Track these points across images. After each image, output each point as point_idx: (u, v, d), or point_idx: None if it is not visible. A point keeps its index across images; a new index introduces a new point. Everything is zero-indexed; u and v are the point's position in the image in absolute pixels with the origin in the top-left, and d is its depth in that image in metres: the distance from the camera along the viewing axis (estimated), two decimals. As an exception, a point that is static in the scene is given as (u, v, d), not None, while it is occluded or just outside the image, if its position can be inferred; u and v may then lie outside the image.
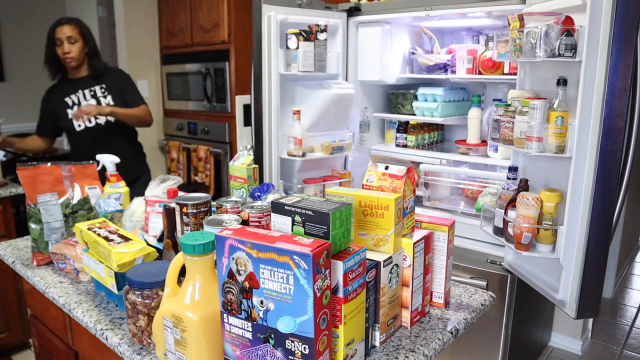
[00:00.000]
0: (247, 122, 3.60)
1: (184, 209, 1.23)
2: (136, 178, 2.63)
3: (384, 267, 1.06)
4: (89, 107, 2.42)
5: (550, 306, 2.72)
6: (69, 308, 1.28)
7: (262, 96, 2.33)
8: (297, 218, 0.96)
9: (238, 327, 0.94)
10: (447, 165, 2.45)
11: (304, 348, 0.86)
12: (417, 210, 1.28)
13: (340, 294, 0.91)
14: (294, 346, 0.87)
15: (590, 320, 2.97)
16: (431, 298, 1.27)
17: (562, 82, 1.59)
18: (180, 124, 4.02)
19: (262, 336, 0.91)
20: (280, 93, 2.33)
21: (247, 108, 3.56)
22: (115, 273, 1.17)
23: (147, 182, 1.65)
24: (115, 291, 1.19)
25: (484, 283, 2.03)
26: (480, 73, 2.32)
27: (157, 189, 1.60)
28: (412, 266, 1.14)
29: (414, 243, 1.13)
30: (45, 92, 2.63)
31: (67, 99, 2.54)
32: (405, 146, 2.66)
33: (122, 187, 1.73)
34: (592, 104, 1.48)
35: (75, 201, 1.57)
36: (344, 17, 2.53)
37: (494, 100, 2.35)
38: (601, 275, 1.58)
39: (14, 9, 4.72)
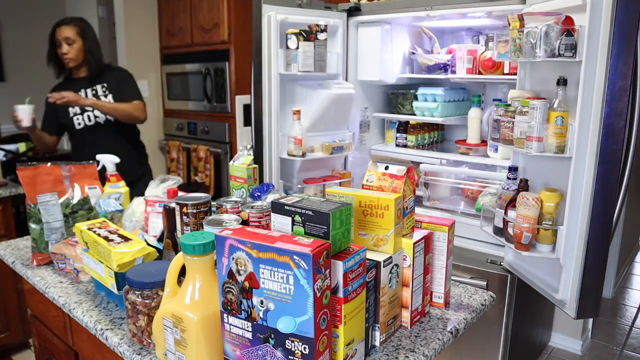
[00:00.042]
0: (247, 122, 3.60)
1: (184, 209, 1.23)
2: (137, 178, 2.62)
3: (384, 267, 1.06)
4: (68, 93, 2.40)
5: (550, 306, 2.72)
6: (69, 308, 1.28)
7: (262, 96, 2.33)
8: (297, 218, 0.96)
9: (238, 327, 0.94)
10: (447, 165, 2.45)
11: (304, 348, 0.86)
12: (417, 210, 1.28)
13: (340, 294, 0.91)
14: (294, 346, 0.87)
15: (590, 320, 2.97)
16: (431, 298, 1.27)
17: (562, 82, 1.59)
18: (180, 124, 4.02)
19: (262, 336, 0.91)
20: (280, 93, 2.33)
21: (247, 108, 3.56)
22: (115, 273, 1.17)
23: (148, 182, 1.65)
24: (115, 291, 1.19)
25: (484, 283, 2.03)
26: (480, 73, 2.32)
27: (157, 189, 1.60)
28: (412, 266, 1.14)
29: (414, 243, 1.13)
30: (52, 88, 2.63)
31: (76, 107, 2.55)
32: (405, 146, 2.66)
33: (122, 187, 1.73)
34: (592, 104, 1.48)
35: (75, 201, 1.57)
36: (344, 17, 2.53)
37: (494, 100, 2.36)
38: (601, 275, 1.58)
39: (14, 9, 4.72)
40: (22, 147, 4.50)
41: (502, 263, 2.02)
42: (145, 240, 1.30)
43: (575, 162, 1.57)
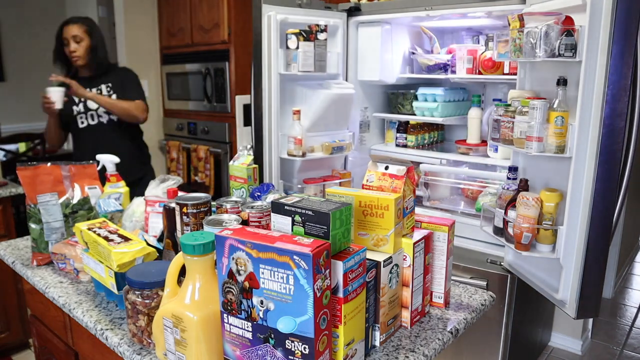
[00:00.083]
0: (247, 122, 3.60)
1: (184, 209, 1.23)
2: (140, 178, 2.62)
3: (384, 267, 1.06)
4: (71, 81, 2.41)
5: (550, 306, 2.72)
6: (69, 308, 1.28)
7: (262, 96, 2.33)
8: (297, 218, 0.96)
9: (238, 327, 0.94)
10: (447, 165, 2.45)
11: (304, 348, 0.86)
12: (417, 210, 1.28)
13: (340, 294, 0.91)
14: (294, 346, 0.87)
15: (590, 320, 2.97)
16: (431, 298, 1.27)
17: (562, 82, 1.59)
18: (180, 124, 4.02)
19: (262, 336, 0.91)
20: (280, 93, 2.33)
21: (247, 108, 3.56)
22: (115, 273, 1.17)
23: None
24: (115, 291, 1.19)
25: (484, 283, 2.03)
26: (480, 73, 2.32)
27: (157, 189, 1.60)
28: (412, 266, 1.14)
29: (414, 243, 1.13)
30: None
31: (74, 96, 2.55)
32: (405, 146, 2.66)
33: (122, 187, 1.73)
34: (592, 104, 1.48)
35: (75, 201, 1.57)
36: (344, 17, 2.53)
37: (494, 100, 2.36)
38: (601, 275, 1.58)
39: (14, 9, 4.72)
40: (22, 147, 4.51)
41: (502, 263, 2.02)
42: (145, 240, 1.30)
43: (575, 162, 1.57)
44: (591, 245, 1.55)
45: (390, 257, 1.08)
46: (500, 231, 1.88)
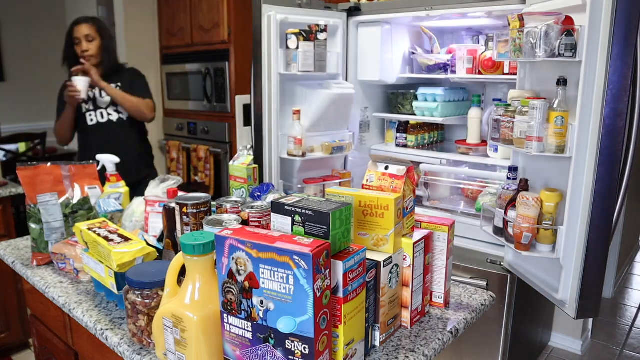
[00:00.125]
0: (247, 122, 3.60)
1: (184, 209, 1.23)
2: (144, 178, 2.62)
3: (384, 267, 1.06)
4: (90, 67, 2.43)
5: (550, 306, 2.72)
6: (69, 308, 1.28)
7: (262, 96, 2.33)
8: (297, 218, 0.96)
9: (238, 327, 0.94)
10: (447, 165, 2.45)
11: (304, 348, 0.86)
12: (417, 210, 1.28)
13: (340, 294, 0.91)
14: (294, 346, 0.87)
15: (590, 320, 2.97)
16: (431, 298, 1.27)
17: (562, 82, 1.59)
18: (180, 124, 4.02)
19: (262, 336, 0.91)
20: (280, 93, 2.33)
21: (247, 108, 3.56)
22: (115, 273, 1.17)
23: None
24: (115, 291, 1.19)
25: (484, 283, 2.03)
26: (480, 73, 2.32)
27: (157, 189, 1.60)
28: (412, 266, 1.14)
29: (414, 243, 1.13)
30: (64, 82, 2.64)
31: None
32: (405, 146, 2.66)
33: (122, 187, 1.73)
34: (592, 104, 1.48)
35: (75, 201, 1.57)
36: (344, 17, 2.53)
37: (494, 100, 2.36)
38: (601, 275, 1.58)
39: (14, 9, 4.72)
40: (22, 147, 4.51)
41: (502, 263, 2.02)
42: (145, 240, 1.30)
43: (575, 162, 1.57)
44: (591, 245, 1.55)
45: (390, 257, 1.08)
46: (500, 231, 1.88)
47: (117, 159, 1.82)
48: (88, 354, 1.39)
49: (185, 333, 0.95)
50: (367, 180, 1.17)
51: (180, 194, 1.37)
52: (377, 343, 1.09)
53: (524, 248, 1.72)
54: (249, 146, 1.68)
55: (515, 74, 2.01)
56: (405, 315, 1.17)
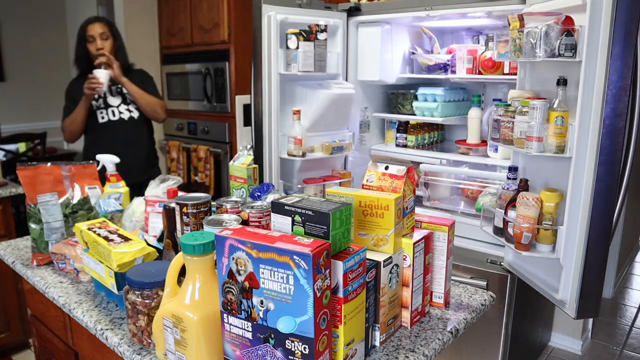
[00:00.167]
0: (247, 122, 3.60)
1: (184, 209, 1.23)
2: (148, 178, 2.63)
3: (384, 267, 1.06)
4: (116, 63, 2.46)
5: (550, 306, 2.72)
6: (69, 308, 1.28)
7: (262, 96, 2.33)
8: (297, 218, 0.96)
9: (238, 327, 0.94)
10: (447, 165, 2.45)
11: (304, 348, 0.86)
12: (417, 210, 1.28)
13: (340, 294, 0.91)
14: (294, 346, 0.87)
15: (590, 320, 2.97)
16: (431, 298, 1.27)
17: (562, 82, 1.59)
18: (180, 124, 4.02)
19: (262, 336, 0.91)
20: (280, 93, 2.33)
21: (247, 108, 3.56)
22: (115, 273, 1.17)
23: None
24: (115, 291, 1.19)
25: (484, 283, 2.03)
26: (480, 73, 2.32)
27: (157, 189, 1.60)
28: (412, 266, 1.14)
29: (414, 243, 1.13)
30: (72, 80, 2.64)
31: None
32: (405, 146, 2.66)
33: (122, 187, 1.73)
34: (592, 104, 1.48)
35: (75, 201, 1.57)
36: (344, 17, 2.53)
37: (494, 100, 2.36)
38: (601, 275, 1.58)
39: (14, 9, 4.72)
40: (22, 147, 4.51)
41: (502, 263, 2.02)
42: (145, 240, 1.30)
43: (575, 162, 1.57)
44: (591, 245, 1.55)
45: (390, 257, 1.08)
46: (500, 231, 1.88)
47: (117, 159, 1.82)
48: (88, 354, 1.39)
49: (185, 333, 0.95)
50: (367, 180, 1.17)
51: (180, 194, 1.37)
52: (377, 343, 1.09)
53: (524, 248, 1.72)
54: (249, 146, 1.68)
55: (515, 74, 2.01)
56: (405, 315, 1.17)
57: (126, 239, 1.23)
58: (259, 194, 1.42)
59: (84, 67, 2.57)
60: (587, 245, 1.55)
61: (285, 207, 0.98)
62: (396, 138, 2.70)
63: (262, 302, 0.89)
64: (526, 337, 2.46)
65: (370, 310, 1.05)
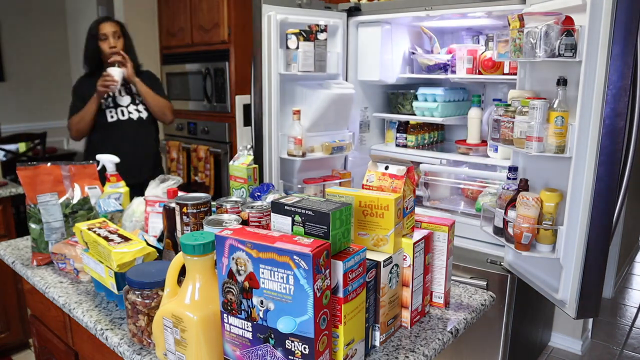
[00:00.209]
0: (247, 122, 3.60)
1: (184, 209, 1.23)
2: (149, 178, 2.63)
3: (384, 267, 1.06)
4: (130, 63, 2.49)
5: (550, 306, 2.72)
6: (69, 308, 1.28)
7: (262, 96, 2.33)
8: (297, 218, 0.96)
9: (238, 327, 0.94)
10: (447, 165, 2.45)
11: (304, 348, 0.86)
12: (417, 210, 1.28)
13: (340, 294, 0.91)
14: (294, 346, 0.87)
15: (590, 320, 2.97)
16: (431, 298, 1.27)
17: (562, 82, 1.59)
18: (180, 124, 4.02)
19: (262, 336, 0.91)
20: (280, 93, 2.33)
21: (247, 108, 3.56)
22: (115, 273, 1.17)
23: None
24: (115, 291, 1.19)
25: (484, 283, 2.03)
26: (480, 73, 2.32)
27: (157, 189, 1.60)
28: (412, 266, 1.14)
29: (414, 243, 1.13)
30: (80, 78, 2.64)
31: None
32: (405, 146, 2.66)
33: (122, 187, 1.73)
34: (592, 104, 1.48)
35: (75, 201, 1.57)
36: (344, 17, 2.53)
37: (494, 100, 2.36)
38: (601, 275, 1.58)
39: (14, 9, 4.72)
40: (22, 147, 4.51)
41: (502, 263, 2.02)
42: (145, 240, 1.30)
43: (575, 162, 1.57)
44: (591, 245, 1.55)
45: (390, 257, 1.08)
46: (500, 231, 1.88)
47: (117, 159, 1.82)
48: (88, 354, 1.39)
49: (185, 333, 0.95)
50: (367, 180, 1.17)
51: (180, 194, 1.37)
52: (377, 343, 1.09)
53: (524, 248, 1.72)
54: (249, 146, 1.68)
55: (515, 74, 2.01)
56: (405, 315, 1.17)
57: (126, 239, 1.23)
58: (259, 194, 1.42)
59: (94, 65, 2.58)
60: (587, 245, 1.55)
61: (285, 207, 0.98)
62: (396, 138, 2.70)
63: (262, 302, 0.89)
64: (526, 337, 2.46)
65: (370, 310, 1.05)
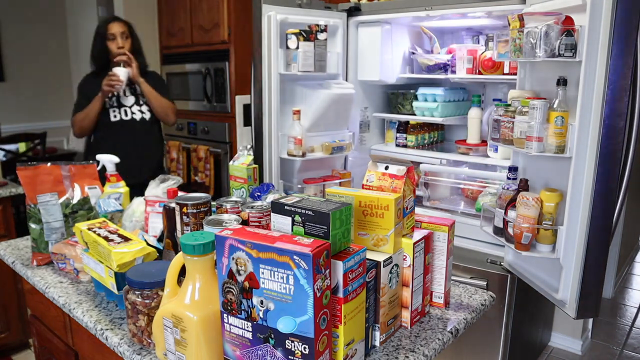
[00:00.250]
0: (247, 122, 3.60)
1: (184, 209, 1.23)
2: (149, 178, 2.63)
3: (384, 267, 1.06)
4: (135, 63, 2.50)
5: (550, 306, 2.72)
6: (69, 308, 1.28)
7: (262, 96, 2.33)
8: (297, 218, 0.96)
9: (238, 327, 0.94)
10: (447, 165, 2.45)
11: (304, 348, 0.86)
12: (417, 210, 1.28)
13: (340, 294, 0.91)
14: (294, 346, 0.87)
15: (590, 320, 2.97)
16: (431, 298, 1.27)
17: (562, 82, 1.59)
18: (180, 124, 4.02)
19: (262, 336, 0.91)
20: (280, 93, 2.34)
21: (247, 108, 3.56)
22: (115, 273, 1.17)
23: None
24: (115, 291, 1.19)
25: (484, 283, 2.03)
26: (480, 73, 2.32)
27: (157, 189, 1.60)
28: (412, 266, 1.14)
29: (414, 243, 1.13)
30: (86, 76, 2.64)
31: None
32: (405, 146, 2.66)
33: (122, 187, 1.73)
34: (592, 104, 1.48)
35: (75, 201, 1.57)
36: (344, 17, 2.53)
37: (494, 100, 2.36)
38: (601, 275, 1.58)
39: (14, 9, 4.72)
40: (22, 147, 4.51)
41: (502, 263, 2.02)
42: (145, 240, 1.30)
43: (575, 162, 1.57)
44: (591, 245, 1.55)
45: (390, 257, 1.08)
46: (500, 231, 1.88)
47: (116, 159, 1.82)
48: (88, 354, 1.39)
49: (185, 333, 0.95)
50: (367, 180, 1.17)
51: (180, 194, 1.37)
52: (377, 343, 1.09)
53: (524, 248, 1.72)
54: (249, 146, 1.68)
55: (515, 74, 2.01)
56: (405, 315, 1.17)
57: (126, 239, 1.23)
58: (259, 194, 1.42)
59: (101, 64, 2.58)
60: (587, 245, 1.55)
61: (285, 207, 0.98)
62: (396, 138, 2.70)
63: (262, 302, 0.89)
64: (526, 337, 2.46)
65: (370, 310, 1.05)
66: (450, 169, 2.45)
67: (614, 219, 1.55)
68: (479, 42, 2.50)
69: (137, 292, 1.08)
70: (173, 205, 1.27)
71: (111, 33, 2.53)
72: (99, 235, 1.24)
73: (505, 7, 1.98)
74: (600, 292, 1.60)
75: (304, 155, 2.38)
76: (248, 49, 3.08)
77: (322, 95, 2.41)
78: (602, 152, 1.48)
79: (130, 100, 2.60)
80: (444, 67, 2.47)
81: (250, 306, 0.91)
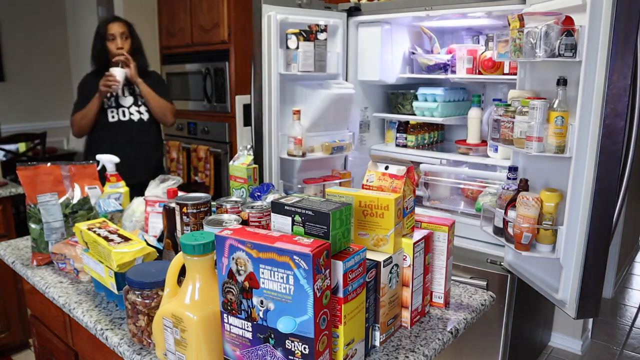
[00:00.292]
0: (247, 122, 3.60)
1: (184, 209, 1.23)
2: (148, 178, 2.63)
3: (384, 267, 1.06)
4: (134, 64, 2.49)
5: (550, 306, 2.72)
6: (69, 308, 1.28)
7: (262, 96, 2.33)
8: (297, 218, 0.96)
9: (238, 327, 0.94)
10: (447, 165, 2.45)
11: (304, 348, 0.86)
12: (417, 210, 1.28)
13: (340, 294, 0.91)
14: (294, 346, 0.87)
15: (590, 320, 2.97)
16: (431, 298, 1.27)
17: (562, 82, 1.59)
18: (180, 124, 4.02)
19: (262, 336, 0.91)
20: (280, 93, 2.34)
21: (247, 108, 3.56)
22: (115, 273, 1.17)
23: None
24: (115, 291, 1.19)
25: (484, 283, 2.03)
26: (480, 73, 2.32)
27: (157, 189, 1.60)
28: (412, 266, 1.14)
29: (414, 243, 1.13)
30: (86, 75, 2.64)
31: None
32: (405, 146, 2.66)
33: (122, 187, 1.73)
34: (592, 104, 1.48)
35: (75, 201, 1.57)
36: (344, 17, 2.53)
37: (494, 100, 2.36)
38: (601, 275, 1.58)
39: (14, 9, 4.72)
40: (22, 147, 4.51)
41: (502, 263, 2.02)
42: (145, 240, 1.30)
43: (575, 162, 1.57)
44: (591, 245, 1.55)
45: (390, 257, 1.08)
46: (500, 231, 1.88)
47: (116, 159, 1.82)
48: (88, 354, 1.39)
49: (185, 333, 0.95)
50: (367, 180, 1.17)
51: (180, 194, 1.37)
52: (377, 343, 1.09)
53: (524, 248, 1.72)
54: (249, 146, 1.68)
55: (515, 74, 2.01)
56: (405, 315, 1.17)
57: (126, 239, 1.23)
58: (259, 194, 1.42)
59: (101, 63, 2.58)
60: (587, 245, 1.55)
61: (285, 207, 0.98)
62: (396, 138, 2.70)
63: (262, 302, 0.89)
64: (526, 337, 2.46)
65: (370, 310, 1.05)
66: (450, 169, 2.45)
67: (614, 219, 1.55)
68: (479, 42, 2.50)
69: (137, 292, 1.08)
70: (173, 205, 1.27)
71: (111, 33, 2.53)
72: (99, 235, 1.24)
73: (505, 7, 1.98)
74: (600, 292, 1.60)
75: (304, 155, 2.38)
76: (248, 49, 3.09)
77: (322, 95, 2.41)
78: (602, 152, 1.48)
79: (128, 100, 2.60)
80: (444, 67, 2.47)
81: (250, 306, 0.91)
